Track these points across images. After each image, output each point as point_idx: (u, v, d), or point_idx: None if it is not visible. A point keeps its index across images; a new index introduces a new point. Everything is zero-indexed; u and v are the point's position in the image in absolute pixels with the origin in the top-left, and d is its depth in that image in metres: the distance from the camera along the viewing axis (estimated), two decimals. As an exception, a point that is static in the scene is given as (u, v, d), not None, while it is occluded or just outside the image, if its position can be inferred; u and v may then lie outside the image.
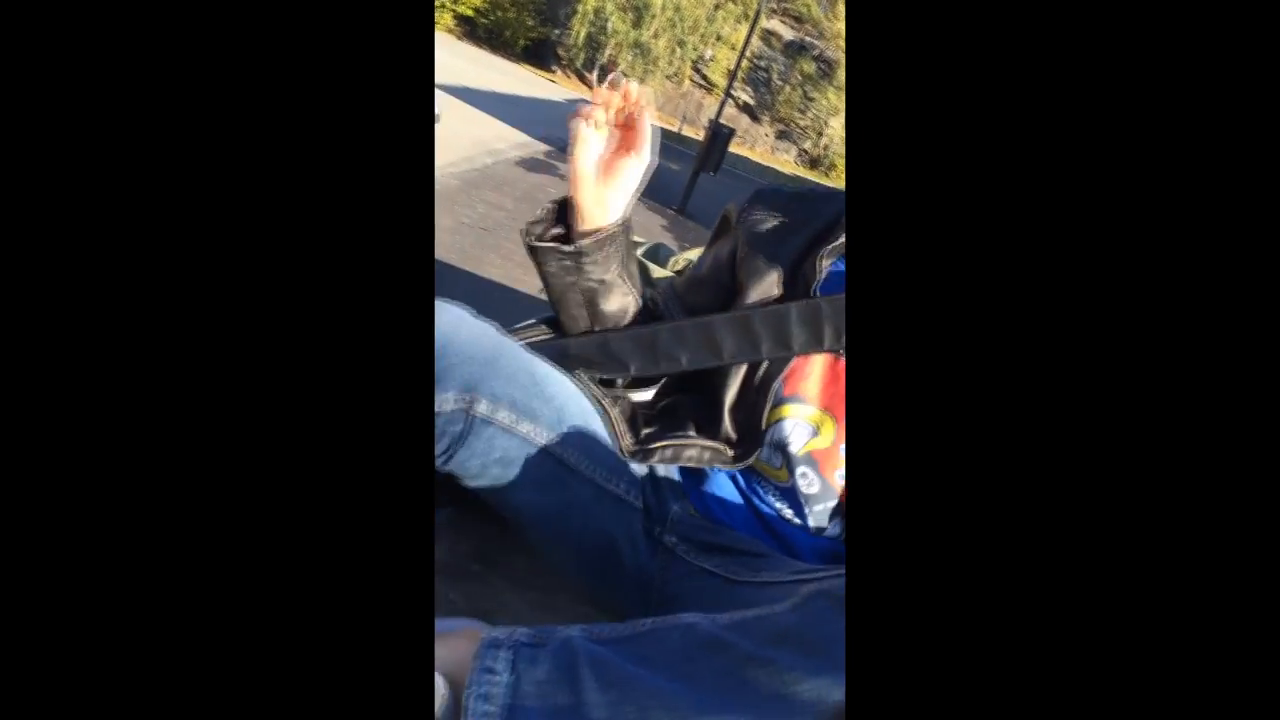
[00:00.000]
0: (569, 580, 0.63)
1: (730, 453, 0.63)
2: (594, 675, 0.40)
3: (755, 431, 0.63)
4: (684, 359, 0.65)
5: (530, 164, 5.52)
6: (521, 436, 0.56)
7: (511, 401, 0.56)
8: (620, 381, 0.69)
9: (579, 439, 0.60)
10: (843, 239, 0.65)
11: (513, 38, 25.70)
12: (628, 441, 0.63)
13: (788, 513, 0.63)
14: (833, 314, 0.61)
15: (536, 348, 0.64)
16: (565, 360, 0.66)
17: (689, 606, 0.48)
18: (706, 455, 0.63)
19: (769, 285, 0.66)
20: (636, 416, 0.66)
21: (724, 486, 0.65)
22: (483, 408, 0.54)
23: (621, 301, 0.69)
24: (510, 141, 6.11)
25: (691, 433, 0.64)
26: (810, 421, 0.63)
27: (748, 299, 0.66)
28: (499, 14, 25.34)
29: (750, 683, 0.38)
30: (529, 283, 3.17)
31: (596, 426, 0.62)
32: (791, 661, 0.38)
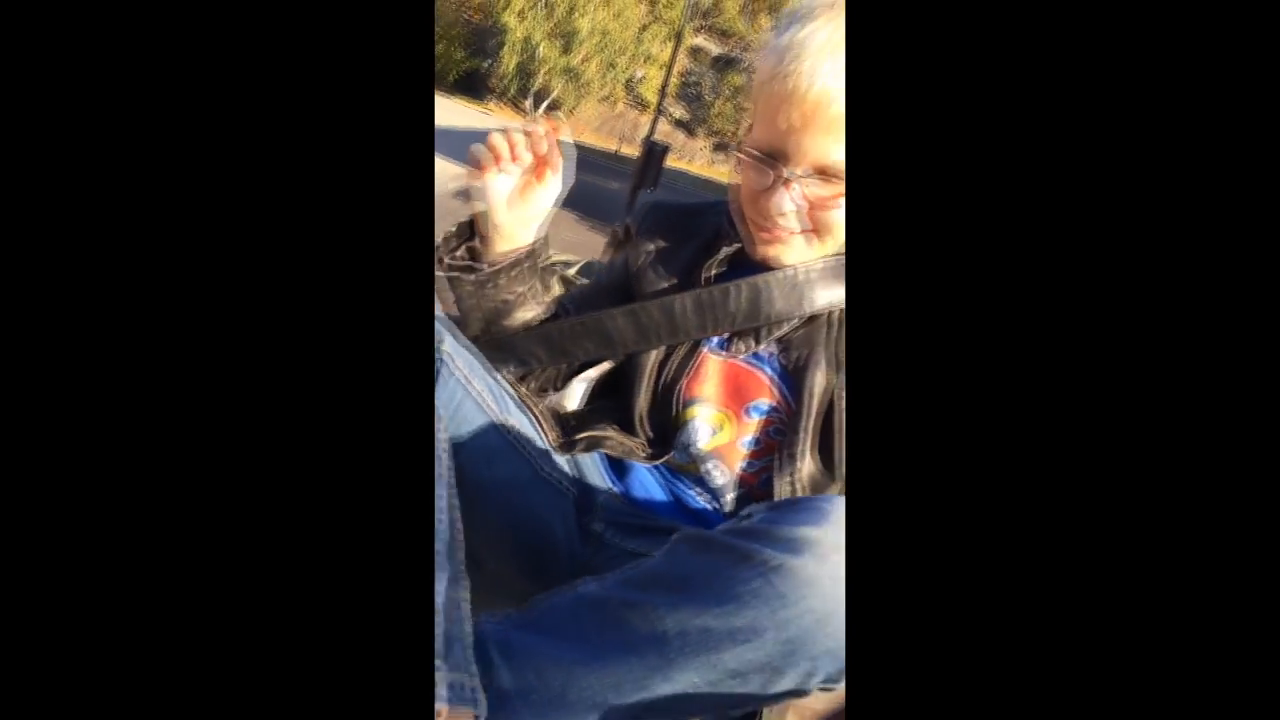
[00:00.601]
0: (504, 566, 0.67)
1: (646, 451, 0.69)
2: (499, 652, 0.45)
3: (666, 431, 0.69)
4: (582, 350, 0.70)
5: (467, 194, 5.47)
6: (474, 398, 0.61)
7: (466, 358, 0.62)
8: (549, 387, 0.75)
9: (517, 422, 0.65)
10: (727, 249, 0.70)
11: (443, 71, 25.65)
12: (553, 435, 0.68)
13: (704, 498, 0.69)
14: (720, 300, 0.65)
15: None
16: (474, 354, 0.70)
17: None
18: (623, 448, 0.68)
19: (662, 293, 0.70)
20: (561, 416, 0.71)
21: (645, 480, 0.71)
22: (447, 346, 0.60)
23: (527, 316, 0.73)
24: (448, 174, 6.06)
25: (611, 431, 0.69)
26: (711, 422, 0.68)
27: None
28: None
29: (626, 626, 0.43)
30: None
31: (528, 418, 0.68)
32: (657, 600, 0.43)
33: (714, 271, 0.68)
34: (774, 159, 0.60)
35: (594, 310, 0.72)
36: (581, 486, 0.69)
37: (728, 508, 0.67)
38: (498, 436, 0.63)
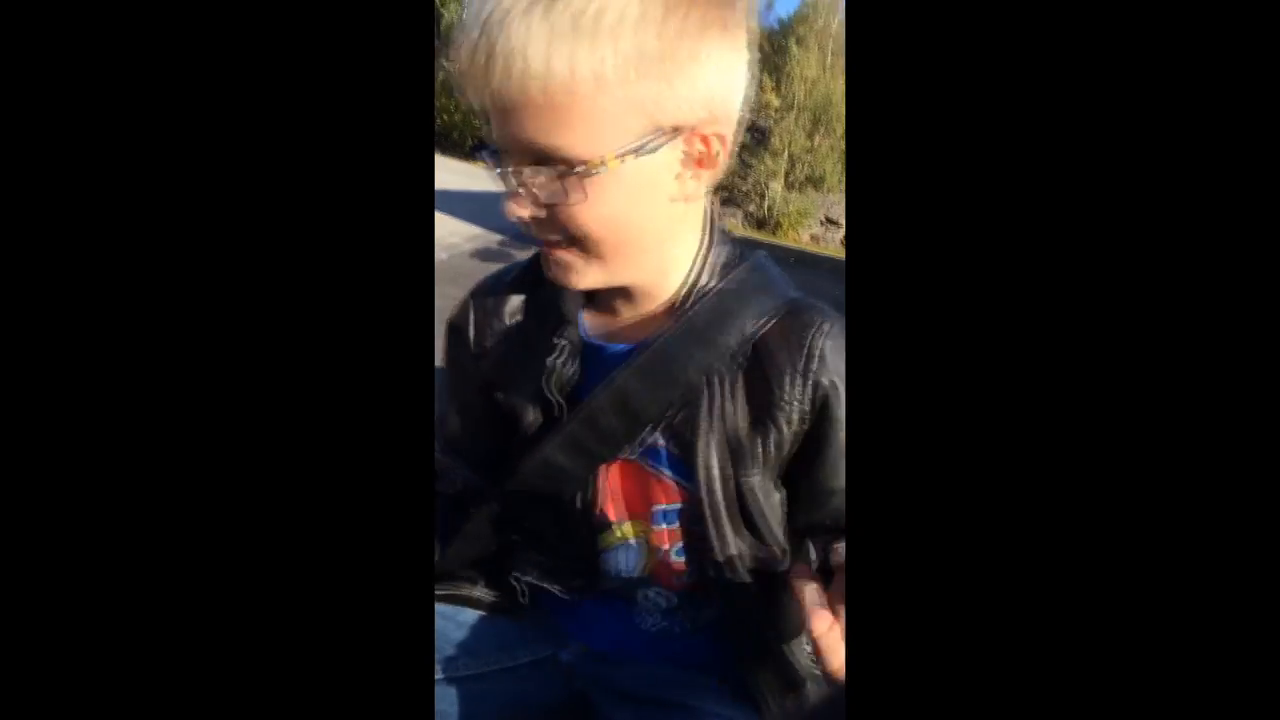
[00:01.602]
0: None
1: (573, 586, 0.62)
2: None
3: (591, 563, 0.61)
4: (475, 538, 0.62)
5: (485, 254, 5.61)
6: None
7: None
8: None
9: (462, 647, 0.60)
10: (558, 340, 0.58)
11: (460, 139, 26.68)
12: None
13: (654, 620, 0.62)
14: (588, 431, 0.54)
15: None
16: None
17: None
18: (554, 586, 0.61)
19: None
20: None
21: (599, 616, 0.63)
22: None
23: None
24: (464, 235, 6.22)
25: (478, 590, 0.63)
26: (632, 540, 0.59)
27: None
28: (445, 118, 26.42)
29: None
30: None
31: (459, 623, 0.62)
32: None
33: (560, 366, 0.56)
34: (495, 154, 0.50)
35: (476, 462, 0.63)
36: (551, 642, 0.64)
37: (686, 623, 0.61)
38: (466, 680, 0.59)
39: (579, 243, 0.50)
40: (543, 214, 0.50)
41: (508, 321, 0.61)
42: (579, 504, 0.58)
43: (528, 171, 0.48)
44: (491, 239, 6.51)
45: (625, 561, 0.59)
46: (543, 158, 0.47)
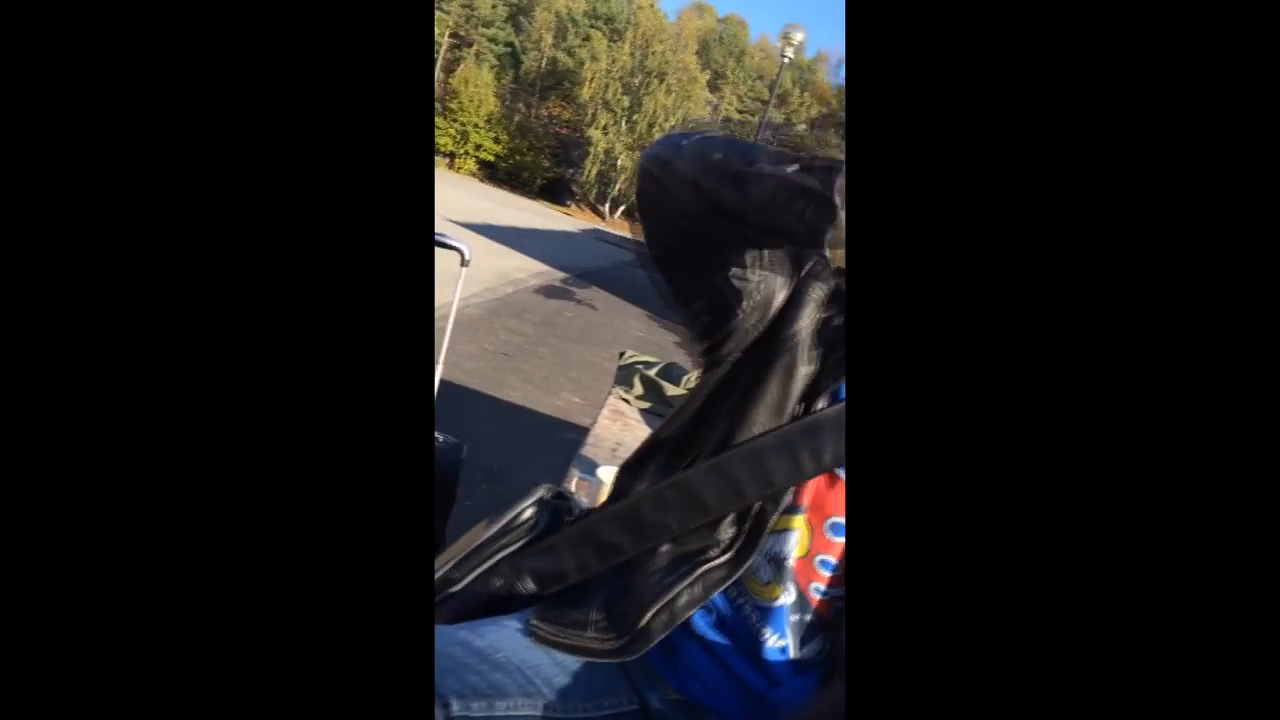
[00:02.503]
0: None
1: (722, 562, 0.60)
2: None
3: (755, 536, 0.60)
4: (673, 524, 0.62)
5: (548, 290, 5.75)
6: (502, 715, 0.55)
7: (474, 689, 0.55)
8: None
9: (552, 688, 0.59)
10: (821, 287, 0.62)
11: (530, 178, 27.70)
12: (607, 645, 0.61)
13: (773, 639, 0.59)
14: (807, 437, 0.58)
15: (516, 569, 0.64)
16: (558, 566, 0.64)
17: None
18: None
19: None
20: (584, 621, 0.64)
21: (698, 657, 0.62)
22: (455, 708, 0.54)
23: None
24: (529, 271, 6.41)
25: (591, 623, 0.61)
26: (800, 531, 0.60)
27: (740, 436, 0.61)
28: (517, 158, 27.53)
29: None
30: (548, 404, 3.20)
31: (557, 661, 0.61)
32: None
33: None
34: None
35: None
36: (635, 688, 0.62)
37: (796, 650, 0.59)
38: None
39: None
40: None
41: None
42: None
43: None
44: (555, 275, 6.69)
45: (787, 546, 0.60)
46: None
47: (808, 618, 0.59)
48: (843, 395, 0.59)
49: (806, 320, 0.62)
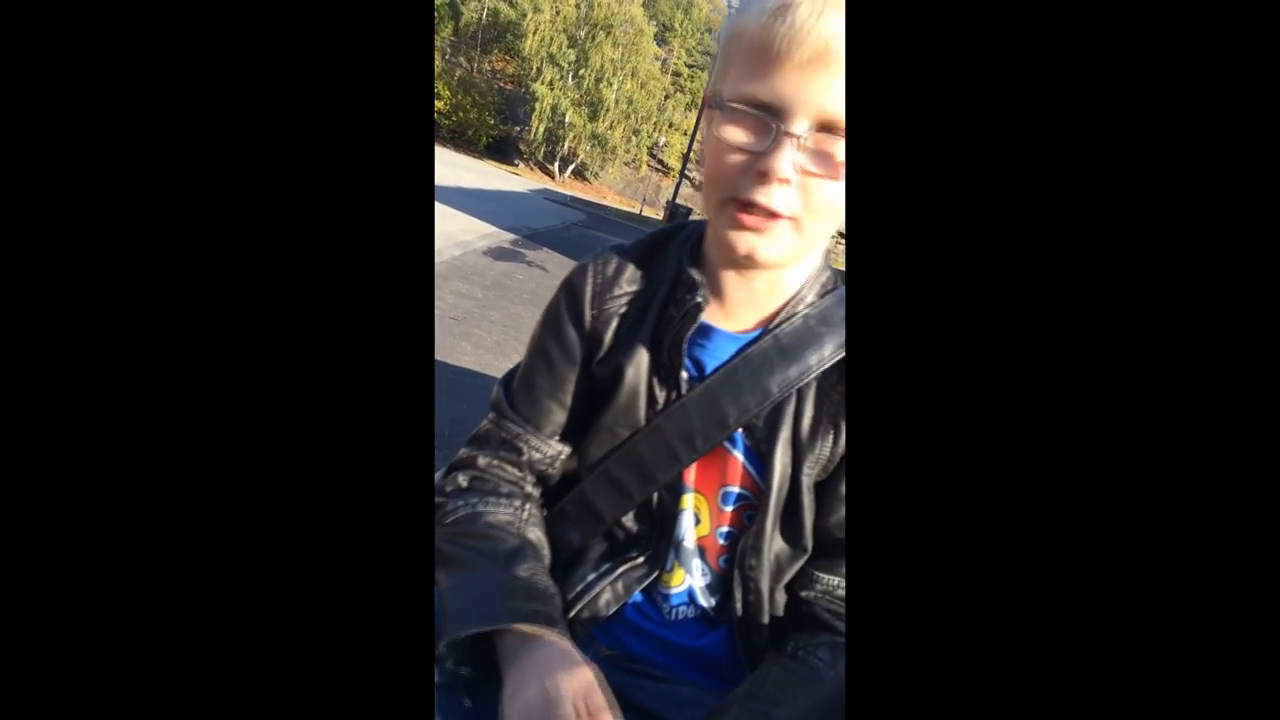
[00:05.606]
0: None
1: (639, 561, 0.62)
2: None
3: (661, 528, 0.61)
4: (574, 538, 0.64)
5: (497, 253, 5.62)
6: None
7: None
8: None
9: None
10: (689, 299, 0.59)
11: (475, 136, 26.71)
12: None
13: (689, 613, 0.62)
14: (677, 428, 0.59)
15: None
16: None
17: None
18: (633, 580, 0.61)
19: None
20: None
21: (625, 627, 0.63)
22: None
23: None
24: (477, 233, 6.24)
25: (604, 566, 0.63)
26: (696, 510, 0.61)
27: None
28: (460, 115, 26.46)
29: None
30: (500, 368, 3.16)
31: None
32: None
33: (682, 339, 0.59)
34: (770, 112, 0.49)
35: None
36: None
37: (714, 614, 0.62)
38: None
39: (805, 216, 0.51)
40: (793, 180, 0.50)
41: (626, 287, 0.63)
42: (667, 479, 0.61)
43: (818, 136, 0.48)
44: (504, 237, 6.53)
45: (685, 527, 0.61)
46: (829, 125, 0.48)
47: (717, 586, 0.62)
48: (698, 375, 0.59)
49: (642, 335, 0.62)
